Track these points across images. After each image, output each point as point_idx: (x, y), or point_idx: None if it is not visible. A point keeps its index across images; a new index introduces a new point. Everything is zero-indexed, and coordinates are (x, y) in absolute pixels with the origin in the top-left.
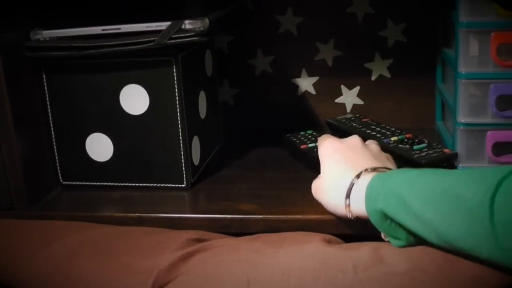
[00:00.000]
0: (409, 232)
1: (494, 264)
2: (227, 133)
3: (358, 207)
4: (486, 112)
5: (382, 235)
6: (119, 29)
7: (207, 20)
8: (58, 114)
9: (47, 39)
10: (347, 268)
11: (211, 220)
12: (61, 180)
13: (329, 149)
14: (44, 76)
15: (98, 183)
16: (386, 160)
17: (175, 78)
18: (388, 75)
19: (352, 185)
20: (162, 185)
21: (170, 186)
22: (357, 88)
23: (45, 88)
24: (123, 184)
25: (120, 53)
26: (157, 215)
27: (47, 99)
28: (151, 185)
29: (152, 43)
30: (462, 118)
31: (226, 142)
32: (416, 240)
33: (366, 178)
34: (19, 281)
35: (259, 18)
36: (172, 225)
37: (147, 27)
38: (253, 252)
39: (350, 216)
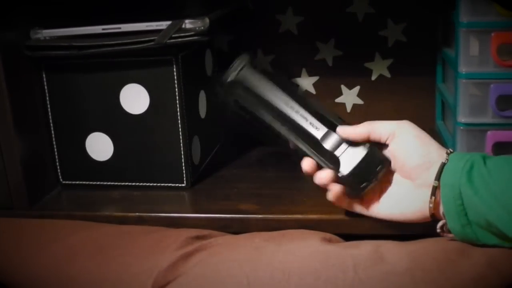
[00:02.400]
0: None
1: None
2: (227, 132)
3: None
4: (486, 112)
5: (439, 224)
6: (119, 28)
7: (207, 20)
8: (58, 113)
9: (47, 38)
10: (347, 267)
11: (211, 219)
12: (61, 180)
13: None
14: (44, 75)
15: (98, 183)
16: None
17: (175, 77)
18: (388, 75)
19: (443, 165)
20: (162, 184)
21: (170, 185)
22: (357, 88)
23: (45, 87)
24: (123, 183)
25: (120, 52)
26: (157, 214)
27: (47, 98)
28: (151, 184)
29: (152, 43)
30: (462, 118)
31: (226, 142)
32: (483, 236)
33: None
34: (19, 281)
35: (259, 17)
36: (172, 224)
37: (147, 26)
38: (253, 250)
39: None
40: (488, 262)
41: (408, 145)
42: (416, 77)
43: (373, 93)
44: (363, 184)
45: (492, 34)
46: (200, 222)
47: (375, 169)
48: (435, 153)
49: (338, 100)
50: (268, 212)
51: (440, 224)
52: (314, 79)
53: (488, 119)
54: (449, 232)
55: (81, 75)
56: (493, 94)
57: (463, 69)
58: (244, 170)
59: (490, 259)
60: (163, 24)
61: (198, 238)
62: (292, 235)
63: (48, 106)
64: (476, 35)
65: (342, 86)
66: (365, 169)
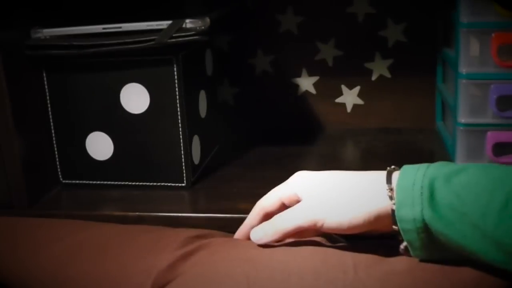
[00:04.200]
0: (449, 245)
1: None
2: (227, 132)
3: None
4: (486, 112)
5: (402, 245)
6: (120, 28)
7: (207, 19)
8: (59, 112)
9: (47, 37)
10: (347, 267)
11: (211, 219)
12: (61, 179)
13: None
14: (44, 74)
15: (98, 182)
16: None
17: (176, 77)
18: (388, 75)
19: (390, 173)
20: (162, 184)
21: (170, 185)
22: (357, 88)
23: (46, 86)
24: (123, 183)
25: (121, 52)
26: (157, 214)
27: (48, 97)
28: (151, 184)
29: (152, 42)
30: (462, 118)
31: (226, 142)
32: (454, 255)
33: (394, 175)
34: (19, 280)
35: (259, 17)
36: (171, 224)
37: (147, 26)
38: (253, 249)
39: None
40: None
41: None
42: (416, 77)
43: (373, 93)
44: None
45: (493, 35)
46: (200, 221)
47: None
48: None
49: (338, 100)
50: None
51: (403, 246)
52: (314, 79)
53: (488, 119)
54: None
55: (81, 74)
56: (493, 94)
57: (463, 69)
58: (244, 170)
59: None
60: (163, 24)
61: (197, 237)
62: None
63: (49, 105)
64: (476, 36)
65: (343, 86)
66: None
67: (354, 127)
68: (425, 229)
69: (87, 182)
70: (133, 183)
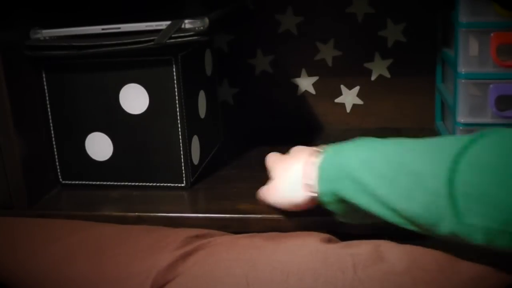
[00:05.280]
0: (364, 211)
1: (455, 238)
2: (227, 132)
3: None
4: (486, 112)
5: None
6: (119, 28)
7: (207, 20)
8: (58, 113)
9: (47, 38)
10: (347, 267)
11: (211, 219)
12: (60, 179)
13: (276, 159)
14: (44, 75)
15: (98, 182)
16: None
17: (175, 77)
18: (388, 75)
19: (305, 164)
20: (162, 184)
21: (170, 185)
22: (357, 88)
23: (45, 87)
24: (122, 183)
25: (120, 52)
26: (156, 214)
27: (47, 98)
28: (151, 184)
29: (152, 43)
30: (461, 118)
31: (225, 142)
32: (371, 219)
33: (318, 157)
34: (18, 280)
35: (259, 17)
36: (171, 224)
37: (147, 26)
38: (252, 249)
39: (311, 196)
40: (487, 261)
41: None
42: (416, 77)
43: (372, 93)
44: None
45: (492, 34)
46: (200, 222)
47: None
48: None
49: (337, 100)
50: (268, 212)
51: None
52: (314, 79)
53: (487, 119)
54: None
55: (80, 75)
56: (492, 94)
57: (462, 69)
58: (243, 170)
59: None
60: (162, 24)
61: (197, 237)
62: (291, 235)
63: (48, 106)
64: (476, 35)
65: (342, 86)
66: None
67: (353, 127)
68: (342, 200)
69: (86, 182)
70: (133, 184)
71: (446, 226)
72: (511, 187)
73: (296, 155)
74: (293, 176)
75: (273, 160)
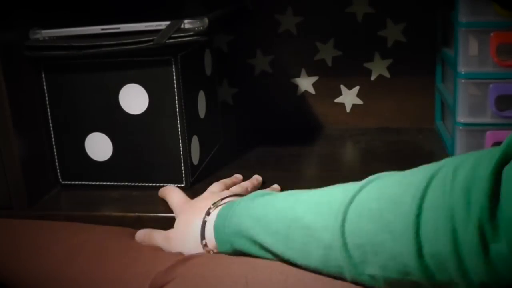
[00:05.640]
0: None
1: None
2: (226, 132)
3: (215, 243)
4: (486, 112)
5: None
6: (119, 28)
7: (206, 20)
8: (58, 113)
9: (46, 38)
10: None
11: None
12: (60, 180)
13: (181, 204)
14: (43, 75)
15: (97, 183)
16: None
17: (175, 77)
18: (387, 75)
19: (204, 223)
20: (161, 184)
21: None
22: (356, 88)
23: (45, 87)
24: (122, 183)
25: (120, 52)
26: (156, 214)
27: (47, 98)
28: (150, 184)
29: (151, 43)
30: (461, 118)
31: (225, 142)
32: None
33: (214, 214)
34: (19, 281)
35: (258, 17)
36: (171, 225)
37: (146, 26)
38: None
39: (212, 253)
40: None
41: None
42: (416, 77)
43: (372, 93)
44: None
45: (491, 34)
46: None
47: None
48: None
49: (337, 100)
50: None
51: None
52: (314, 79)
53: (487, 119)
54: None
55: (80, 75)
56: (492, 94)
57: (462, 69)
58: (243, 170)
59: None
60: (162, 24)
61: None
62: None
63: (48, 106)
64: (475, 35)
65: (342, 86)
66: None
67: (353, 127)
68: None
69: (86, 182)
70: (132, 184)
71: (349, 276)
72: (394, 233)
73: (198, 207)
74: (192, 233)
75: (178, 204)
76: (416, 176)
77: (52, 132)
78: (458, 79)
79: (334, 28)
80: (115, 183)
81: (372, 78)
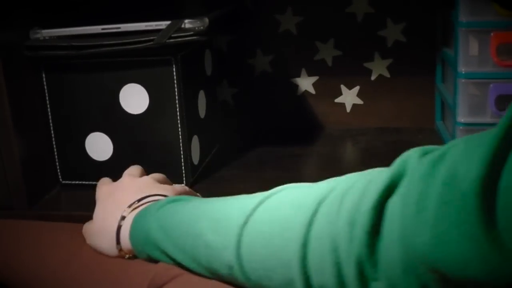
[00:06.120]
0: None
1: None
2: (226, 132)
3: (130, 248)
4: (486, 112)
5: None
6: (119, 28)
7: (206, 20)
8: (58, 113)
9: (46, 38)
10: None
11: None
12: (60, 179)
13: (103, 193)
14: (43, 75)
15: (98, 183)
16: (156, 189)
17: (175, 77)
18: (387, 74)
19: (119, 228)
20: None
21: None
22: (356, 88)
23: (45, 87)
24: None
25: (120, 52)
26: None
27: (47, 98)
28: None
29: (151, 43)
30: (461, 118)
31: (225, 142)
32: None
33: (129, 218)
34: (19, 282)
35: (258, 17)
36: None
37: (146, 26)
38: None
39: (127, 258)
40: None
41: None
42: (416, 77)
43: (372, 93)
44: None
45: (492, 34)
46: None
47: None
48: None
49: (337, 100)
50: None
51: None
52: (314, 79)
53: (487, 119)
54: None
55: (80, 75)
56: (492, 94)
57: (462, 69)
58: (243, 170)
59: None
60: (162, 24)
61: None
62: None
63: (48, 106)
64: (476, 35)
65: (342, 86)
66: None
67: (353, 127)
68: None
69: (86, 182)
70: None
71: None
72: (283, 260)
73: (116, 202)
74: (107, 235)
75: (100, 197)
76: (311, 196)
77: (52, 131)
78: (458, 79)
79: (334, 28)
80: None
81: (372, 78)
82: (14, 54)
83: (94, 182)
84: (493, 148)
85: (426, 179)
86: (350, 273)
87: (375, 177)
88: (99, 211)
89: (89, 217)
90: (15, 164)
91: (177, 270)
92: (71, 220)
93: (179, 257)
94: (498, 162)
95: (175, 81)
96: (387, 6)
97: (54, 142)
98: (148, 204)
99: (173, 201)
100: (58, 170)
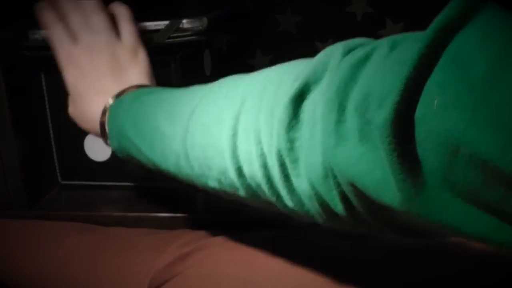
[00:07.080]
0: None
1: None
2: None
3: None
4: None
5: None
6: None
7: (205, 20)
8: (57, 113)
9: (45, 38)
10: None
11: (210, 220)
12: (59, 180)
13: (68, 61)
14: (42, 75)
15: (97, 183)
16: (130, 64)
17: (174, 77)
18: None
19: (103, 124)
20: (161, 184)
21: (169, 185)
22: None
23: (44, 87)
24: (122, 183)
25: None
26: (156, 214)
27: (46, 98)
28: (150, 184)
29: (150, 43)
30: None
31: None
32: None
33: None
34: (18, 281)
35: (258, 17)
36: (170, 225)
37: (145, 26)
38: (251, 251)
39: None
40: None
41: None
42: None
43: None
44: None
45: None
46: (200, 222)
47: None
48: None
49: None
50: (268, 213)
51: None
52: None
53: None
54: None
55: None
56: None
57: None
58: None
59: None
60: (161, 24)
61: (196, 238)
62: None
63: (47, 106)
64: None
65: None
66: None
67: None
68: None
69: (86, 183)
70: (132, 184)
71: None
72: (218, 149)
73: (95, 92)
74: (91, 124)
75: (63, 65)
76: (241, 86)
77: (51, 132)
78: None
79: (334, 27)
80: (115, 183)
81: None
82: (13, 55)
83: (93, 182)
84: (412, 70)
85: (345, 88)
86: (273, 166)
87: (295, 69)
88: (75, 93)
89: (89, 217)
90: (14, 165)
91: (178, 268)
92: (70, 220)
93: (144, 148)
94: (415, 89)
95: (174, 82)
96: (387, 6)
97: (53, 142)
98: (123, 95)
99: (147, 93)
100: (58, 171)
